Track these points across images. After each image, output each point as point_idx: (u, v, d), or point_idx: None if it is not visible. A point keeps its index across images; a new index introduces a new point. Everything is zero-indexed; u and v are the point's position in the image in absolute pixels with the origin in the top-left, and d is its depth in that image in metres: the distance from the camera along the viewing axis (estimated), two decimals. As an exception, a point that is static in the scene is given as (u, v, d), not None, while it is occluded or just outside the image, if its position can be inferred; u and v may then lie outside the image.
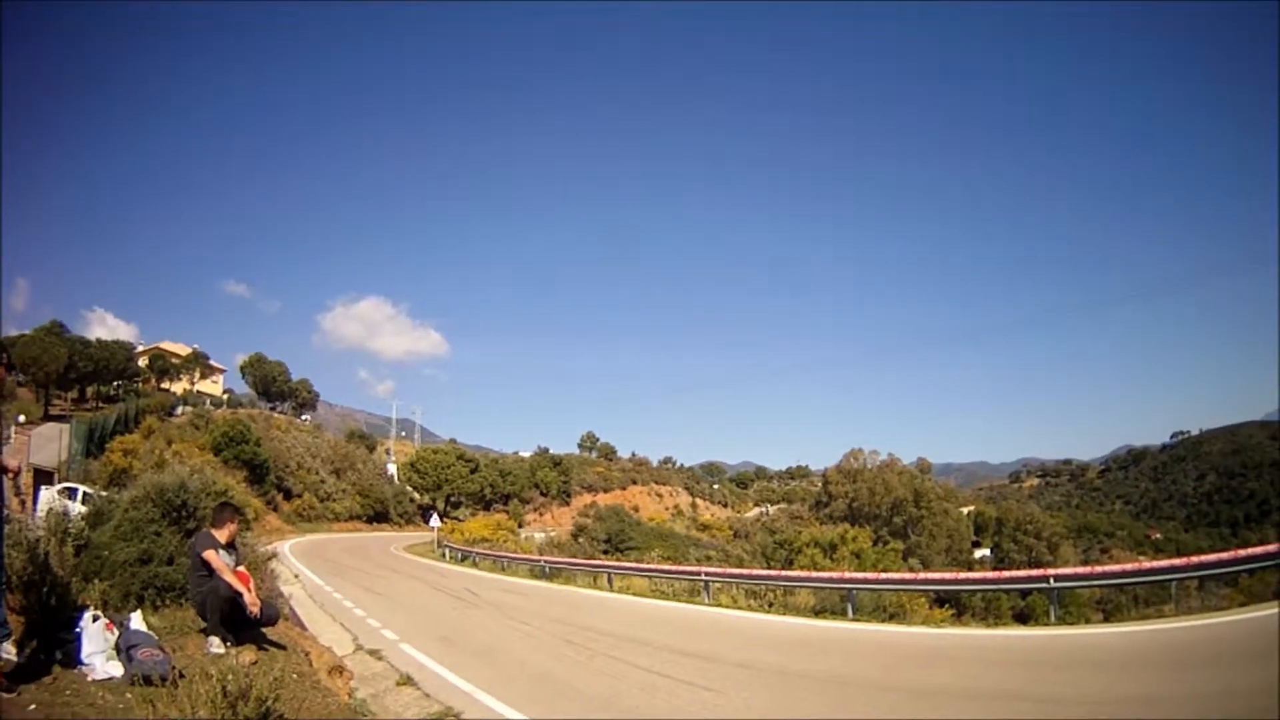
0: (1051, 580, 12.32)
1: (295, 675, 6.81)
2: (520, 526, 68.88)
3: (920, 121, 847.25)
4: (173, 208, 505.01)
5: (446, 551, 37.23)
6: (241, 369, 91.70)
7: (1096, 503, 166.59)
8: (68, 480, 28.07)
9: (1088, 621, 17.38)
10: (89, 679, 5.47)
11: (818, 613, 14.37)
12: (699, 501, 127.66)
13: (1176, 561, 12.29)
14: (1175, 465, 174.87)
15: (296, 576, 20.49)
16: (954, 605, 21.00)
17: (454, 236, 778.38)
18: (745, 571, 19.16)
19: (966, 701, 6.79)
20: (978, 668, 8.62)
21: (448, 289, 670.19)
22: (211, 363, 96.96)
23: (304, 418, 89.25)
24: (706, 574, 17.85)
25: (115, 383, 72.89)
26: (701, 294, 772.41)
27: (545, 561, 26.75)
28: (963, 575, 16.75)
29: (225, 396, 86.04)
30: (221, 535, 7.53)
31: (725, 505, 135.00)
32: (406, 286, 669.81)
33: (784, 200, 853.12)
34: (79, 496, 19.69)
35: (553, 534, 61.93)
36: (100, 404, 66.92)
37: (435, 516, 48.33)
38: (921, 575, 17.71)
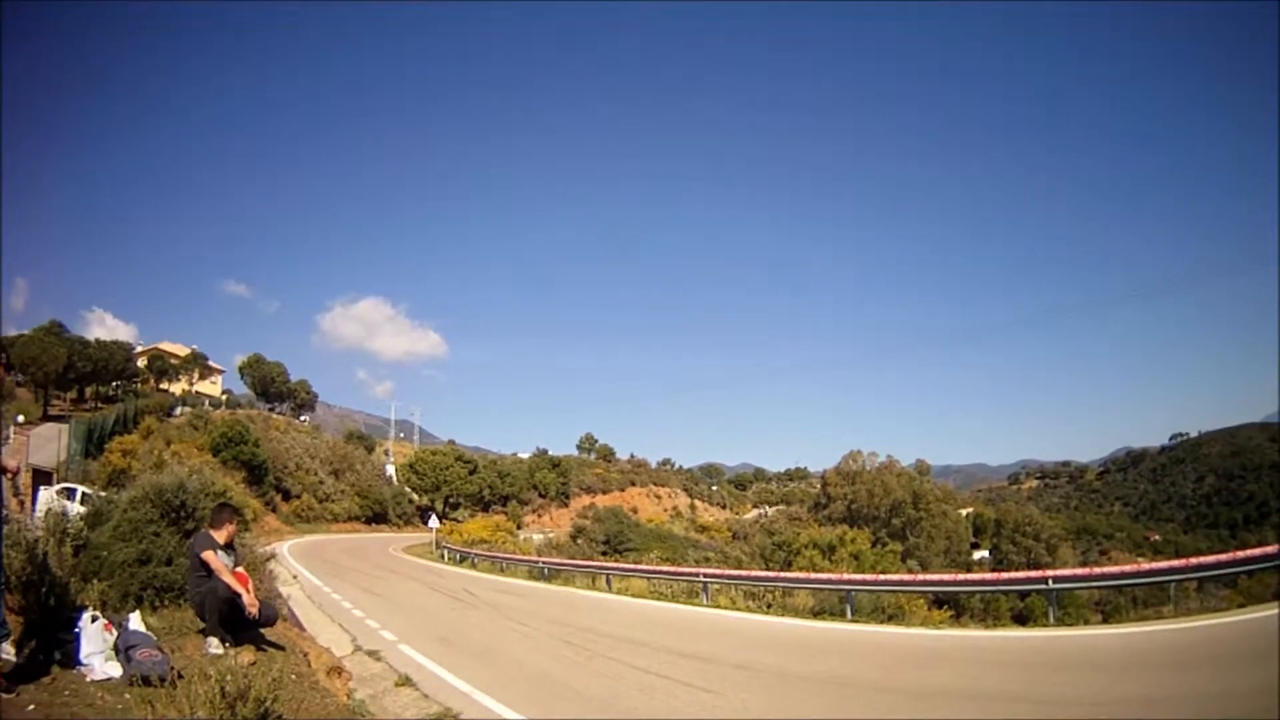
0: (1050, 582, 12.33)
1: (294, 676, 6.81)
2: (519, 528, 68.82)
3: (920, 121, 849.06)
4: (172, 208, 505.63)
5: (445, 553, 37.21)
6: (240, 369, 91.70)
7: (1095, 504, 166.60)
8: (66, 480, 28.04)
9: (1087, 623, 17.38)
10: (88, 679, 5.47)
11: (816, 614, 14.37)
12: (697, 503, 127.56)
13: (1175, 563, 12.31)
14: (1174, 467, 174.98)
15: (295, 577, 20.47)
16: (953, 606, 20.98)
17: (453, 237, 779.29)
18: (744, 573, 19.16)
19: (965, 702, 6.80)
20: (977, 669, 8.62)
21: (447, 289, 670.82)
22: (210, 363, 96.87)
23: (303, 418, 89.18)
24: (705, 575, 17.86)
25: (114, 383, 72.82)
26: (700, 294, 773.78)
27: (544, 563, 26.75)
28: (961, 577, 16.74)
29: (224, 397, 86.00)
30: (220, 536, 7.53)
31: (724, 507, 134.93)
32: (405, 287, 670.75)
33: (783, 200, 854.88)
34: (78, 497, 19.66)
35: (551, 535, 61.94)
36: (99, 404, 66.86)
37: (434, 518, 48.25)
38: (920, 577, 17.70)
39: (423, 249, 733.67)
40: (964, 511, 78.50)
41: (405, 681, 8.23)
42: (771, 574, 17.86)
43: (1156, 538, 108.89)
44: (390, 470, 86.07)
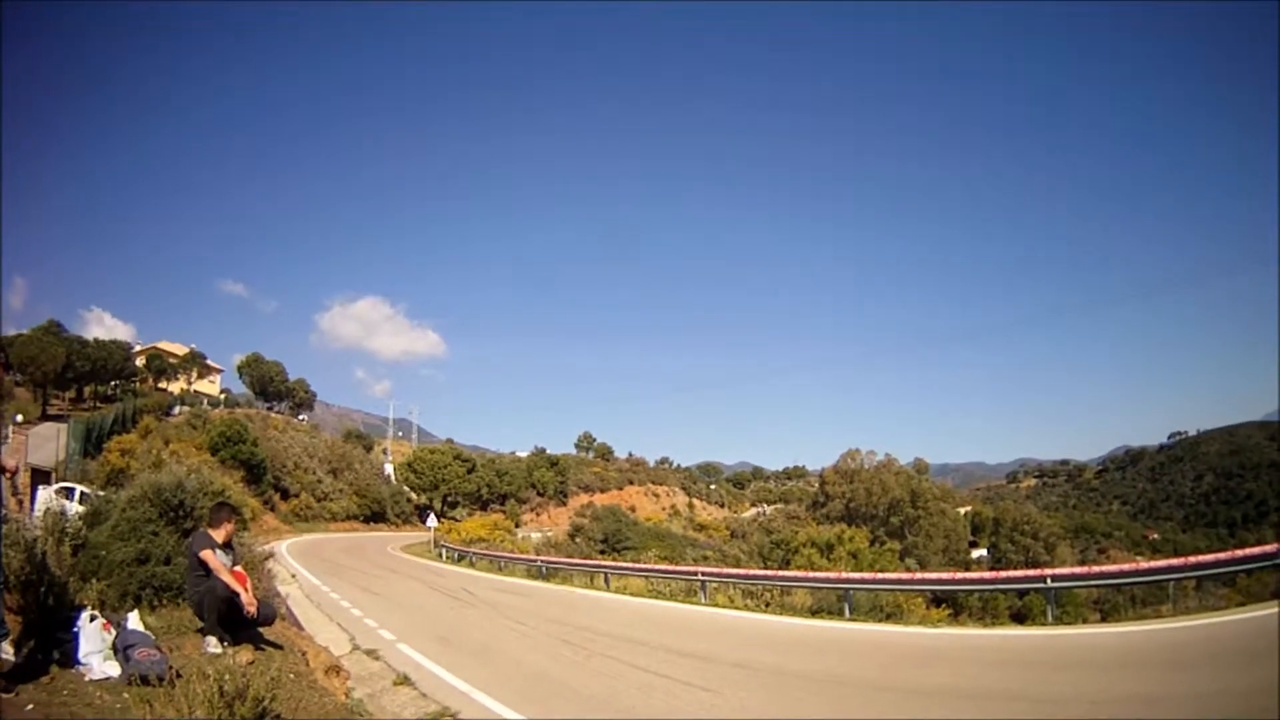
0: (1049, 580, 12.33)
1: (292, 675, 6.81)
2: (517, 526, 68.83)
3: (919, 121, 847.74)
4: (170, 207, 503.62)
5: (443, 551, 37.22)
6: (239, 369, 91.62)
7: (1094, 503, 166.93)
8: (65, 480, 28.00)
9: (1085, 621, 17.41)
10: (86, 679, 5.47)
11: (815, 612, 14.37)
12: (696, 502, 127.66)
13: (1174, 562, 12.30)
14: (1173, 466, 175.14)
15: (293, 576, 20.47)
16: (951, 605, 21.02)
17: (452, 236, 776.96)
18: (742, 571, 19.18)
19: (964, 701, 6.80)
20: (975, 668, 8.63)
21: (445, 289, 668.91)
22: (209, 362, 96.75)
23: (301, 418, 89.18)
24: (703, 574, 17.86)
25: (113, 382, 72.75)
26: (698, 293, 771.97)
27: (542, 561, 26.75)
28: (960, 575, 16.76)
29: (222, 396, 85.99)
30: (218, 535, 7.54)
31: (722, 505, 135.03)
32: (404, 286, 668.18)
33: (782, 200, 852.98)
34: (76, 496, 19.64)
35: (549, 534, 61.92)
36: (98, 404, 66.84)
37: (432, 516, 48.33)
38: (918, 575, 17.72)
39: (421, 248, 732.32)
40: (962, 510, 78.74)
41: (403, 680, 8.22)
42: (769, 572, 17.87)
43: (1155, 536, 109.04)
44: (388, 469, 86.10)
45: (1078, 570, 13.49)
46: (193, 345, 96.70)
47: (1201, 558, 11.81)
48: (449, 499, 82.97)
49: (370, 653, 10.11)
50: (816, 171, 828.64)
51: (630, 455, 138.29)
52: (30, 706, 4.70)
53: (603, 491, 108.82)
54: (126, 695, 5.28)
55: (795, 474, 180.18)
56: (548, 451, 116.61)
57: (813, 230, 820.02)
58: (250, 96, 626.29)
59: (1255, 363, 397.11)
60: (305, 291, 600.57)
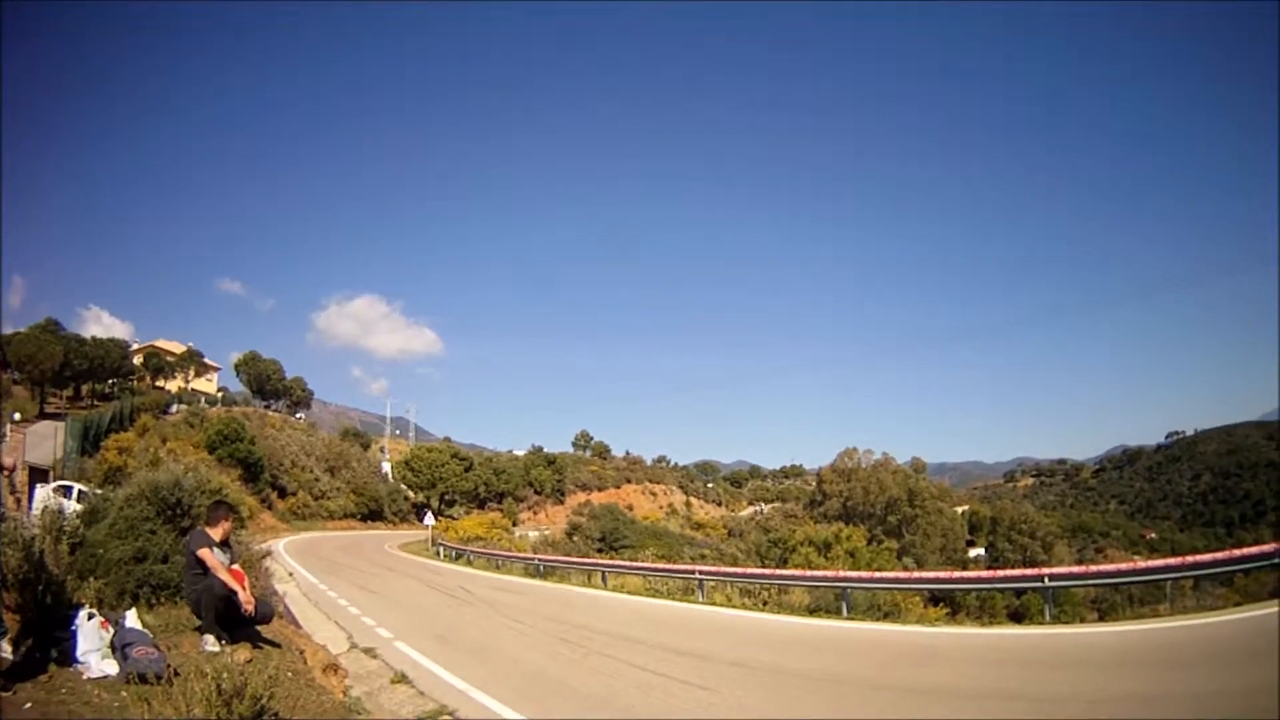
0: (1046, 579, 12.35)
1: (290, 673, 6.81)
2: (514, 525, 68.84)
3: (918, 121, 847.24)
4: (168, 206, 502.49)
5: (441, 550, 37.21)
6: (236, 367, 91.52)
7: (1091, 502, 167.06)
8: (63, 478, 27.95)
9: (1083, 621, 17.42)
10: (84, 677, 5.48)
11: (812, 611, 14.39)
12: (693, 500, 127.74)
13: (1171, 561, 12.32)
14: (1170, 465, 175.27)
15: (291, 574, 20.46)
16: (949, 604, 21.07)
17: (449, 235, 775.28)
18: (739, 570, 19.20)
19: (962, 700, 6.81)
20: (973, 667, 8.64)
21: (442, 287, 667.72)
22: (206, 361, 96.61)
23: (298, 416, 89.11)
24: (701, 572, 17.87)
25: (110, 381, 72.59)
26: (696, 293, 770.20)
27: (539, 560, 26.78)
28: (957, 574, 16.79)
29: (220, 394, 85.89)
30: (216, 533, 7.53)
31: (719, 504, 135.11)
32: (401, 285, 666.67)
33: (780, 199, 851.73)
34: (74, 494, 19.63)
35: (547, 532, 61.97)
36: (95, 402, 66.71)
37: (430, 515, 48.38)
38: (916, 574, 17.76)
39: (418, 247, 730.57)
40: (960, 509, 78.87)
41: (401, 679, 8.22)
42: (767, 571, 17.89)
43: (1153, 536, 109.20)
44: (386, 467, 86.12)
45: (1075, 569, 13.51)
46: (190, 343, 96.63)
47: (1199, 557, 11.82)
48: (446, 497, 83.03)
49: (368, 651, 10.11)
50: (815, 171, 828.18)
51: (627, 454, 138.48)
52: (28, 705, 4.70)
53: (600, 490, 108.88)
54: (124, 693, 5.28)
55: (793, 473, 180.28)
56: (545, 450, 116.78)
57: (811, 230, 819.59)
58: (248, 96, 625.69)
59: (1253, 363, 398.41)
60: (302, 290, 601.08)
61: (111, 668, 5.62)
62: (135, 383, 77.25)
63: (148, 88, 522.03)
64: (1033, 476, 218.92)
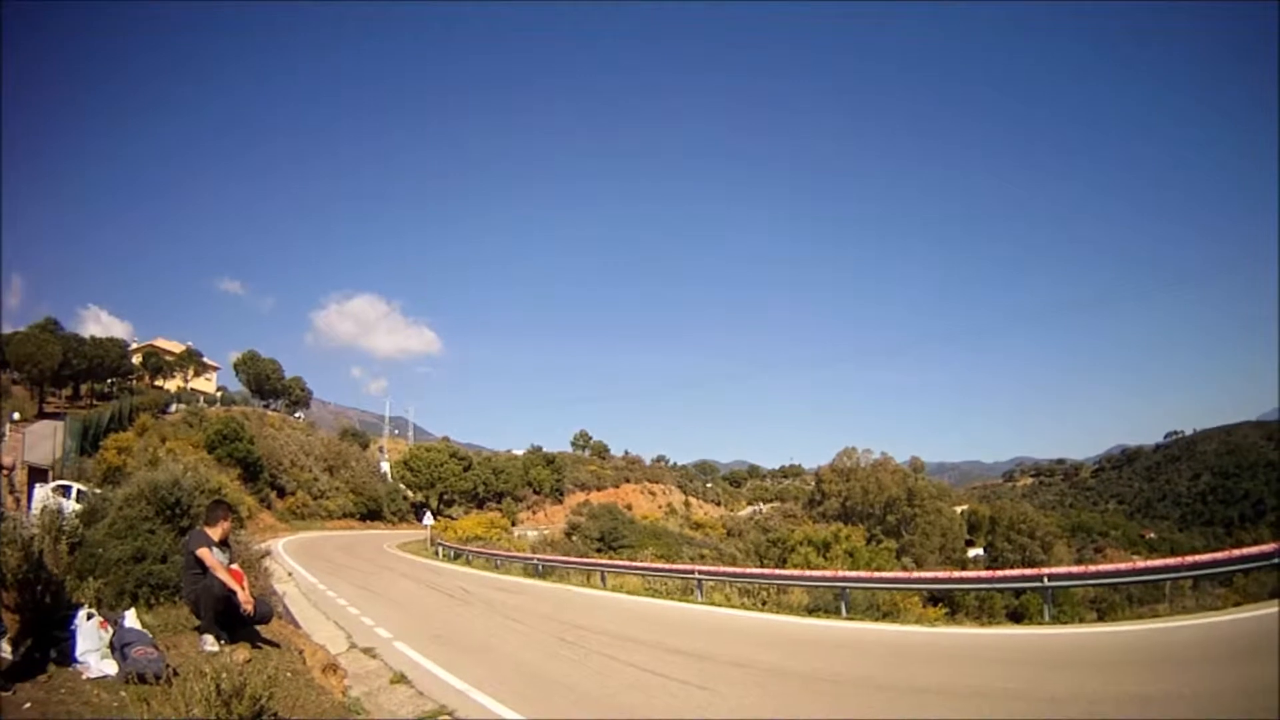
0: (1046, 579, 12.35)
1: (289, 673, 6.81)
2: (513, 525, 68.75)
3: (918, 121, 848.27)
4: (168, 206, 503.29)
5: (440, 550, 37.18)
6: (235, 366, 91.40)
7: (1090, 502, 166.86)
8: (62, 478, 27.99)
9: (1082, 621, 17.40)
10: (84, 677, 5.47)
11: (811, 611, 14.39)
12: (692, 500, 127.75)
13: (1171, 561, 12.33)
14: (1169, 465, 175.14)
15: (290, 574, 20.47)
16: (948, 604, 21.01)
17: (448, 234, 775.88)
18: (738, 570, 19.20)
19: (961, 700, 6.81)
20: (972, 666, 8.65)
21: (442, 287, 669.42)
22: (205, 360, 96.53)
23: (297, 415, 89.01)
24: (700, 572, 17.87)
25: (109, 380, 72.59)
26: (695, 292, 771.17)
27: (539, 560, 26.77)
28: (956, 574, 16.80)
29: (219, 394, 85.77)
30: (215, 533, 7.53)
31: (718, 504, 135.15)
32: (400, 284, 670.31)
33: (781, 199, 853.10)
34: (73, 494, 19.65)
35: (546, 532, 61.92)
36: (94, 402, 66.71)
37: (428, 514, 48.35)
38: (915, 574, 17.78)
39: (417, 246, 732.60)
40: (959, 509, 78.85)
41: (400, 679, 8.22)
42: (766, 571, 17.89)
43: (1152, 535, 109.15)
44: (385, 467, 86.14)
45: (1074, 569, 13.51)
46: (189, 343, 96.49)
47: (1198, 557, 11.83)
48: (445, 497, 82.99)
49: (367, 651, 10.12)
50: (814, 170, 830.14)
51: (626, 453, 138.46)
52: (28, 705, 4.70)
53: (599, 490, 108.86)
54: (124, 693, 5.27)
55: (792, 472, 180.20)
56: (544, 449, 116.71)
57: (811, 229, 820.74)
58: (248, 95, 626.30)
59: (1252, 362, 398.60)
60: (301, 289, 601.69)
61: (111, 668, 5.62)
62: (134, 382, 77.20)
63: (147, 87, 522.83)
64: (1032, 476, 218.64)
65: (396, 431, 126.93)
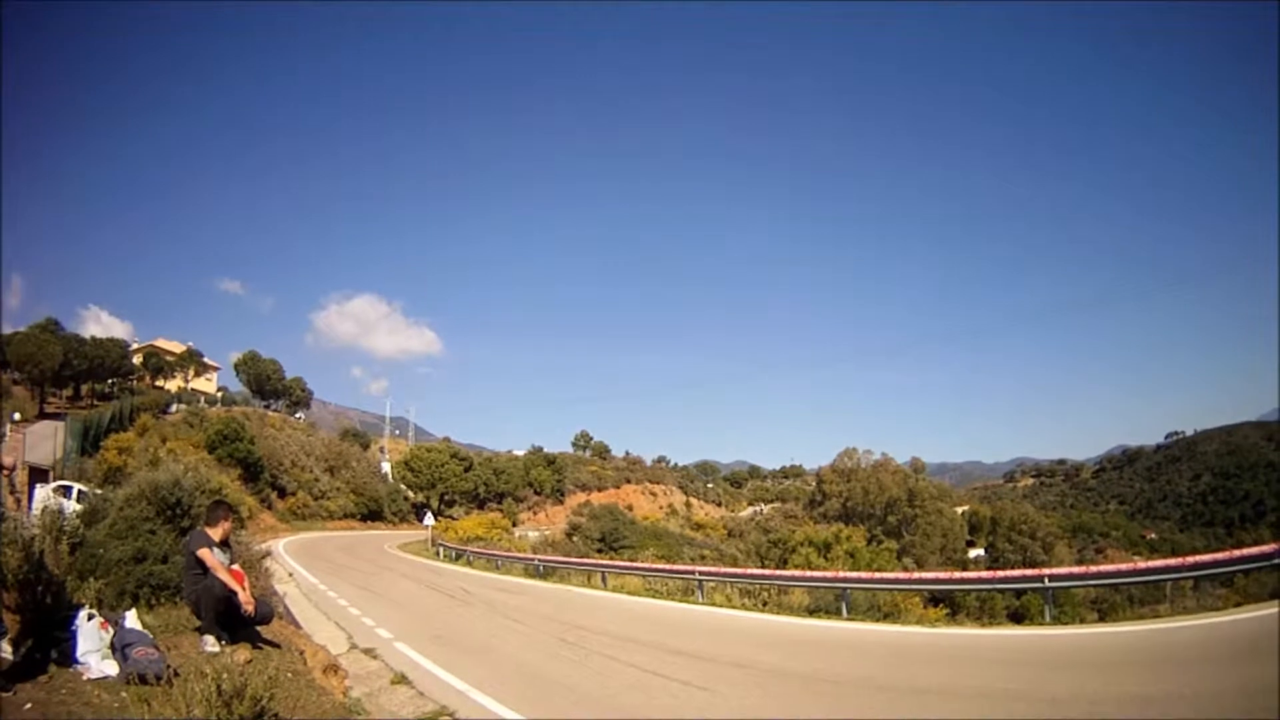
0: (1046, 580, 12.35)
1: (290, 674, 6.81)
2: (514, 525, 68.80)
3: (919, 121, 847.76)
4: (168, 206, 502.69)
5: (441, 550, 37.19)
6: (235, 367, 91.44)
7: (1091, 503, 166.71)
8: (63, 478, 27.97)
9: (1083, 621, 17.42)
10: (84, 677, 5.47)
11: (812, 612, 14.39)
12: (693, 500, 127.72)
13: (1171, 562, 12.33)
14: (1170, 465, 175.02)
15: (291, 575, 20.47)
16: (948, 605, 21.04)
17: (449, 235, 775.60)
18: (739, 571, 19.19)
19: (962, 701, 6.81)
20: (973, 667, 8.65)
21: (442, 287, 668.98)
22: (206, 360, 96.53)
23: (298, 416, 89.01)
24: (701, 573, 17.87)
25: (110, 380, 72.60)
26: (696, 292, 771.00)
27: (539, 560, 26.77)
28: (957, 575, 16.79)
29: (219, 394, 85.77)
30: (215, 533, 7.53)
31: (719, 504, 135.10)
32: (400, 284, 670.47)
33: (782, 199, 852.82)
34: (74, 494, 19.64)
35: (547, 533, 61.92)
36: (95, 402, 66.73)
37: (429, 515, 48.38)
38: (916, 575, 17.76)
39: (418, 247, 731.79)
40: (959, 509, 78.83)
41: (401, 679, 8.22)
42: (767, 572, 17.89)
43: (1152, 536, 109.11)
44: (386, 467, 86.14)
45: (1075, 570, 13.51)
46: (190, 343, 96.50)
47: (1199, 558, 11.84)
48: (446, 497, 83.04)
49: (368, 651, 10.12)
50: (815, 170, 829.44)
51: (627, 454, 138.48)
52: (28, 705, 4.70)
53: (600, 490, 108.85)
54: (124, 694, 5.27)
55: (792, 473, 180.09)
56: (545, 450, 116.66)
57: (811, 229, 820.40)
58: (248, 95, 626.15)
59: (1253, 362, 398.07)
60: (302, 290, 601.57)
61: (111, 668, 5.62)
62: (135, 382, 77.24)
63: (147, 87, 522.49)
64: (1032, 477, 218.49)
65: (397, 432, 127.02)
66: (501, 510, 79.29)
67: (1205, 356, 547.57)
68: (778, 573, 17.39)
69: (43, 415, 53.59)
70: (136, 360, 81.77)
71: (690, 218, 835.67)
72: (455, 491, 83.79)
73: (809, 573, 17.00)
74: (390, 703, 7.41)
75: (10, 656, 5.25)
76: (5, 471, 5.68)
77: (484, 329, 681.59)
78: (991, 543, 69.69)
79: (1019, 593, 20.01)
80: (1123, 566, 13.40)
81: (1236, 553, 11.21)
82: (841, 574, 15.07)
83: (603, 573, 21.65)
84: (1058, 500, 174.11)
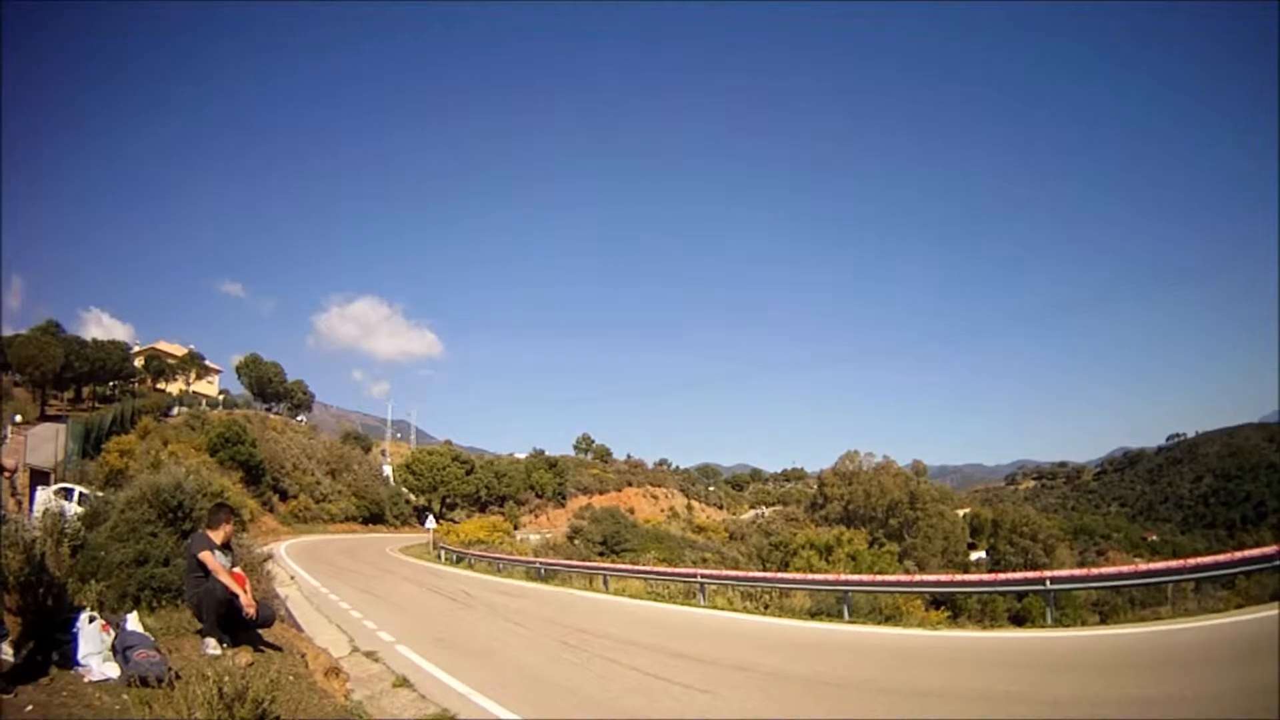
0: (1048, 582, 12.34)
1: (291, 677, 6.81)
2: (516, 528, 68.80)
3: (919, 121, 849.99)
4: (169, 208, 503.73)
5: (442, 553, 37.19)
6: (237, 370, 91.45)
7: (1092, 505, 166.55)
8: (64, 481, 27.99)
9: (1084, 623, 17.41)
10: (85, 680, 5.47)
11: (814, 615, 14.39)
12: (694, 503, 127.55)
13: (1173, 564, 12.32)
14: (1171, 467, 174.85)
15: (292, 578, 20.46)
16: (950, 607, 21.02)
17: (449, 237, 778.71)
18: (741, 574, 19.15)
19: (963, 703, 6.80)
20: (974, 669, 8.63)
21: (443, 289, 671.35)
22: (207, 363, 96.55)
23: (299, 419, 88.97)
24: (702, 576, 17.86)
25: (111, 383, 72.61)
26: (697, 294, 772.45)
27: (541, 563, 26.73)
28: (959, 577, 16.74)
29: (221, 397, 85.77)
30: (217, 536, 7.53)
31: (721, 507, 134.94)
32: (401, 287, 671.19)
33: (782, 200, 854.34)
34: (75, 497, 19.64)
35: (548, 536, 61.88)
36: (96, 404, 66.73)
37: (431, 518, 48.36)
38: (917, 577, 17.70)
39: (418, 248, 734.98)
40: (961, 512, 78.70)
41: (403, 682, 8.23)
42: (768, 575, 17.86)
43: (1154, 538, 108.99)
44: (387, 470, 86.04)
45: (1077, 572, 13.51)
46: (191, 346, 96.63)
47: (1200, 560, 11.81)
48: (447, 500, 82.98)
49: (370, 654, 10.12)
50: (816, 171, 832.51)
51: (629, 457, 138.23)
52: (30, 707, 4.70)
53: (601, 493, 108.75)
54: (125, 696, 5.28)
55: (794, 476, 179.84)
56: (546, 453, 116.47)
57: (811, 229, 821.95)
58: (248, 96, 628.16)
59: (1254, 364, 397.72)
60: (303, 292, 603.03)
61: (113, 671, 5.62)
62: (136, 385, 77.27)
63: (147, 87, 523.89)
64: (1034, 479, 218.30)
65: (399, 435, 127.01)
66: (503, 513, 79.27)
67: (1206, 357, 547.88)
68: (779, 576, 17.37)
69: (44, 417, 53.61)
70: (138, 363, 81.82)
71: (690, 218, 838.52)
72: (457, 494, 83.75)
73: (810, 575, 16.97)
74: (392, 706, 7.41)
75: (11, 659, 5.26)
76: (6, 474, 5.69)
77: (484, 330, 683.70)
78: (993, 545, 69.53)
79: (1020, 595, 20.02)
80: (1124, 569, 13.38)
81: (1238, 555, 11.20)
82: (843, 577, 15.06)
83: (604, 576, 21.64)
84: (1059, 502, 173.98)
